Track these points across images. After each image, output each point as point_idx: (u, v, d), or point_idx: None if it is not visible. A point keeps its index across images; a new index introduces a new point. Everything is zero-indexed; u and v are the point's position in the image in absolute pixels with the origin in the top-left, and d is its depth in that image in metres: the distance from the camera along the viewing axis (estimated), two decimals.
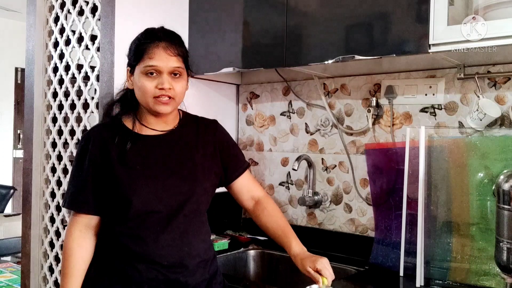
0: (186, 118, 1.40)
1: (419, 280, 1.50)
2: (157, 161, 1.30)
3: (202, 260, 1.33)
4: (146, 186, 1.26)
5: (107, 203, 1.29)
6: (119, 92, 1.41)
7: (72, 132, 1.96)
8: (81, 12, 1.92)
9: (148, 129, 1.33)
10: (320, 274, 1.25)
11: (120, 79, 1.78)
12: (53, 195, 2.04)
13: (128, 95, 1.36)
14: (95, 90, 1.86)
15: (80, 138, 1.39)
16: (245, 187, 1.45)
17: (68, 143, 1.97)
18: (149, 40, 1.27)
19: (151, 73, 1.25)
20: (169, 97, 1.27)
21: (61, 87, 2.01)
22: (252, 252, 2.01)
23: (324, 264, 1.26)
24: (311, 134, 2.07)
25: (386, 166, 1.76)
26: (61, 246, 2.02)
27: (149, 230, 1.26)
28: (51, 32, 2.05)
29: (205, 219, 1.39)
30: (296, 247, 1.35)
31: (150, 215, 1.26)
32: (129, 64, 1.33)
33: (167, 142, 1.34)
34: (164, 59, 1.25)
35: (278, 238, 1.40)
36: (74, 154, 1.94)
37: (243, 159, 1.48)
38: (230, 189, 1.47)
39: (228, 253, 1.94)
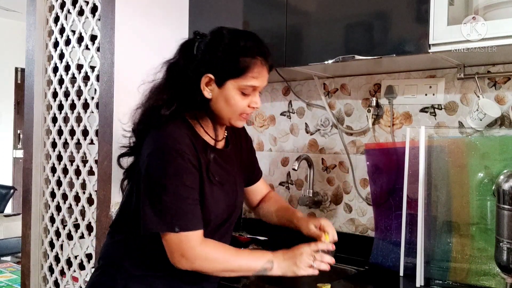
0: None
1: (419, 280, 1.50)
2: (227, 174, 1.28)
3: None
4: (223, 202, 1.25)
5: None
6: (166, 86, 1.21)
7: (72, 132, 1.96)
8: (81, 12, 1.92)
9: (210, 138, 1.25)
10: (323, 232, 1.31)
11: (120, 79, 1.78)
12: (53, 195, 2.04)
13: (195, 97, 1.19)
14: (95, 90, 1.86)
15: (177, 153, 1.14)
16: (259, 190, 1.51)
17: (68, 143, 1.97)
18: (252, 56, 1.16)
19: (249, 91, 1.18)
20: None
21: (61, 87, 2.01)
22: None
23: (327, 222, 1.32)
24: (311, 134, 2.07)
25: (386, 166, 1.76)
26: (61, 246, 2.02)
27: None
28: (51, 32, 2.06)
29: None
30: (300, 214, 1.41)
31: (215, 229, 1.25)
32: (214, 72, 1.16)
33: (230, 155, 1.32)
34: (264, 79, 1.19)
35: (283, 212, 1.45)
36: (74, 153, 1.94)
37: (258, 164, 1.52)
38: (245, 191, 1.48)
39: None
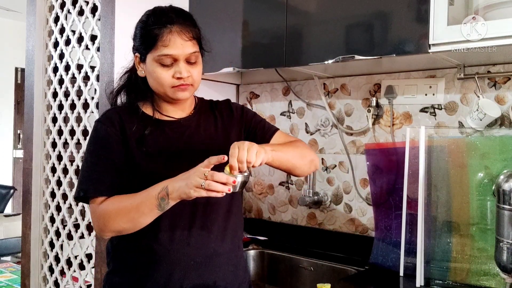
0: (201, 104, 1.33)
1: (419, 280, 1.50)
2: (177, 149, 1.22)
3: None
4: (163, 171, 1.15)
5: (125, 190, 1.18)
6: (121, 76, 1.31)
7: (72, 132, 1.96)
8: (81, 12, 1.92)
9: (165, 116, 1.25)
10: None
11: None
12: (53, 195, 2.04)
13: (138, 80, 1.26)
14: (95, 90, 1.86)
15: (95, 126, 1.23)
16: (275, 142, 1.31)
17: (68, 143, 1.97)
18: (160, 24, 1.16)
19: (166, 61, 1.16)
20: (187, 84, 1.19)
21: (61, 87, 2.01)
22: (252, 252, 2.01)
23: (234, 145, 1.09)
24: (311, 134, 2.07)
25: (386, 166, 1.76)
26: (61, 246, 2.02)
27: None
28: (51, 32, 2.06)
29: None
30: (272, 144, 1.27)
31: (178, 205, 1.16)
32: (137, 51, 1.22)
33: (186, 130, 1.25)
34: (179, 46, 1.15)
35: None
36: (74, 153, 1.94)
37: (270, 124, 1.38)
38: None
39: None
